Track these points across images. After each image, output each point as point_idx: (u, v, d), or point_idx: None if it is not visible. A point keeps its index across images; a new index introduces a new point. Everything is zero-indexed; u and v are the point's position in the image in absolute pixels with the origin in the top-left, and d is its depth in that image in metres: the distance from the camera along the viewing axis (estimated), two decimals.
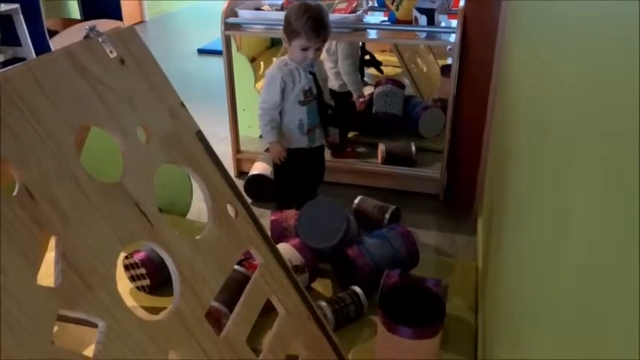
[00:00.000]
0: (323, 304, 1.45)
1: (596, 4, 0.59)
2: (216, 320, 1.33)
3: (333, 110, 1.97)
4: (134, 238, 0.84)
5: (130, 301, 1.56)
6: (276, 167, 2.02)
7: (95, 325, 0.76)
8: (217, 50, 2.39)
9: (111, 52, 0.91)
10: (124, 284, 1.58)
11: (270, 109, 1.86)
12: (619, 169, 0.45)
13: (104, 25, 3.82)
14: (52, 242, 0.75)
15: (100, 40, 0.90)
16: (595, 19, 0.58)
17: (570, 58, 0.69)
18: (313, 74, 1.85)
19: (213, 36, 4.36)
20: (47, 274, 0.74)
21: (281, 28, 1.97)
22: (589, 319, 0.49)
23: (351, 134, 2.57)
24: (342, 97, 2.43)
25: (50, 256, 0.76)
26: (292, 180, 2.00)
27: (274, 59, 3.26)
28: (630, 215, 0.41)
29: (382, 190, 2.26)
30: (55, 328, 1.40)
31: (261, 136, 2.61)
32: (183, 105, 1.03)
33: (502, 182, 1.36)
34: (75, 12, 4.41)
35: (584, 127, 0.58)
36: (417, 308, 1.29)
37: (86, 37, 0.90)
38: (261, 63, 3.38)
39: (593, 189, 0.52)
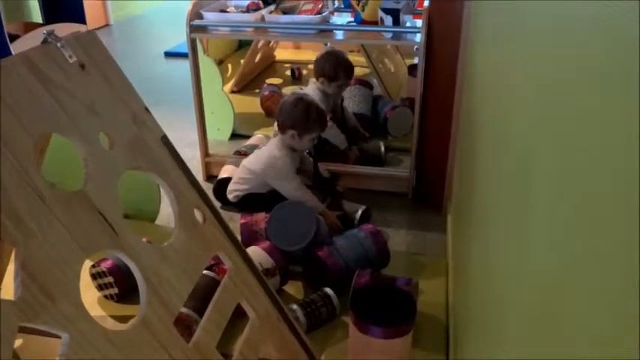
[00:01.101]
0: (294, 306, 1.45)
1: (551, 5, 0.60)
2: (186, 327, 1.32)
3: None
4: (98, 247, 0.82)
5: (97, 311, 1.53)
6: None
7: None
8: (184, 53, 2.36)
9: (70, 56, 0.89)
10: (91, 294, 1.56)
11: (299, 184, 1.97)
12: (577, 170, 0.46)
13: (67, 29, 3.73)
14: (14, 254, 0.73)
15: (59, 44, 0.88)
16: (550, 20, 0.59)
17: (530, 58, 0.70)
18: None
19: (180, 38, 4.30)
20: (10, 284, 0.72)
21: (247, 30, 1.97)
22: (553, 317, 0.50)
23: None
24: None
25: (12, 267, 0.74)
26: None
27: (241, 61, 3.25)
28: (589, 212, 0.41)
29: (351, 190, 2.26)
30: (20, 341, 1.38)
31: (232, 136, 2.62)
32: (147, 110, 1.02)
33: (469, 180, 1.38)
34: (37, 15, 4.31)
35: (544, 127, 0.59)
36: (388, 308, 1.30)
37: (44, 41, 0.88)
38: (229, 65, 3.37)
39: (553, 188, 0.53)
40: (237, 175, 2.08)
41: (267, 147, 2.06)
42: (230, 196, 2.09)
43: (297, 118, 1.96)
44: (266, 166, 1.99)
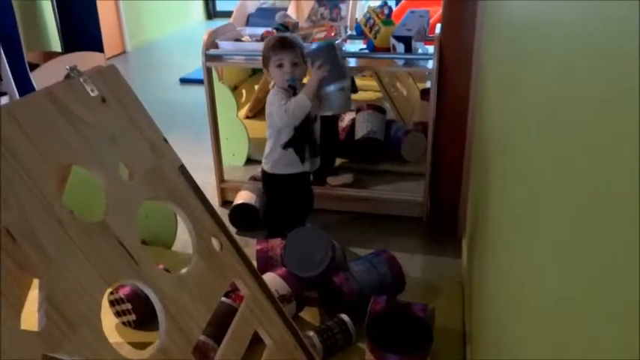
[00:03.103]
0: (311, 333, 1.45)
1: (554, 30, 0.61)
2: (204, 354, 1.32)
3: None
4: (118, 277, 0.84)
5: (116, 337, 1.54)
6: (270, 197, 2.06)
7: None
8: (199, 79, 2.40)
9: (92, 90, 0.92)
10: (109, 320, 1.57)
11: (288, 102, 1.85)
12: (589, 192, 0.46)
13: (85, 57, 3.82)
14: (35, 282, 0.75)
15: (82, 79, 0.91)
16: (561, 46, 0.61)
17: (542, 83, 0.72)
18: (294, 88, 1.87)
19: (195, 65, 4.38)
20: (30, 311, 0.74)
21: (261, 58, 2.01)
22: (572, 341, 0.50)
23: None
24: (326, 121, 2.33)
25: (33, 294, 0.76)
26: (289, 209, 2.03)
27: (255, 87, 3.29)
28: (605, 236, 0.42)
29: (365, 215, 2.27)
30: None
31: (247, 161, 2.63)
32: (165, 140, 1.04)
33: (483, 204, 1.38)
34: (55, 44, 4.41)
35: (558, 151, 0.60)
36: (405, 334, 1.29)
37: (67, 77, 0.91)
38: (243, 91, 3.41)
39: (567, 212, 0.54)
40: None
41: None
42: (264, 167, 2.02)
43: (262, 51, 1.94)
44: (268, 108, 1.93)
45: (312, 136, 1.98)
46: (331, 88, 1.87)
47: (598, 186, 0.44)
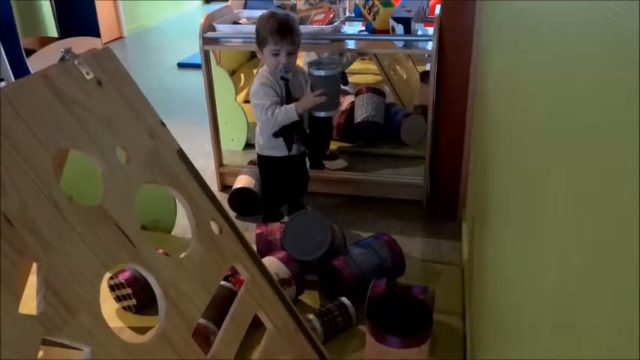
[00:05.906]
0: (311, 316, 1.45)
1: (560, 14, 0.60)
2: (204, 338, 1.33)
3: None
4: (117, 261, 0.83)
5: (116, 322, 1.54)
6: (263, 178, 2.05)
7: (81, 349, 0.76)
8: (197, 64, 2.39)
9: (87, 73, 0.91)
10: (110, 305, 1.57)
11: (272, 105, 1.84)
12: (590, 176, 0.46)
13: (82, 42, 3.79)
14: (34, 267, 0.74)
15: (76, 61, 0.90)
16: (566, 27, 0.60)
17: (544, 64, 0.71)
18: (286, 80, 1.85)
19: (193, 49, 4.35)
20: (31, 297, 0.73)
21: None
22: (569, 319, 0.50)
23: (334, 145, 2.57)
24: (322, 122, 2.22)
25: (33, 279, 0.75)
26: (278, 189, 2.03)
27: (254, 71, 3.27)
28: (606, 221, 0.42)
29: (365, 198, 2.27)
30: (41, 353, 1.39)
31: (246, 146, 2.61)
32: (163, 124, 1.03)
33: (483, 187, 1.38)
34: (52, 30, 4.38)
35: (558, 134, 0.59)
36: (405, 317, 1.29)
37: (62, 59, 0.90)
38: (242, 75, 3.39)
39: (569, 195, 0.53)
40: None
41: None
42: (256, 148, 2.04)
43: (257, 27, 1.87)
44: (251, 97, 1.90)
45: (302, 126, 1.96)
46: (321, 114, 1.96)
47: (601, 169, 0.43)
